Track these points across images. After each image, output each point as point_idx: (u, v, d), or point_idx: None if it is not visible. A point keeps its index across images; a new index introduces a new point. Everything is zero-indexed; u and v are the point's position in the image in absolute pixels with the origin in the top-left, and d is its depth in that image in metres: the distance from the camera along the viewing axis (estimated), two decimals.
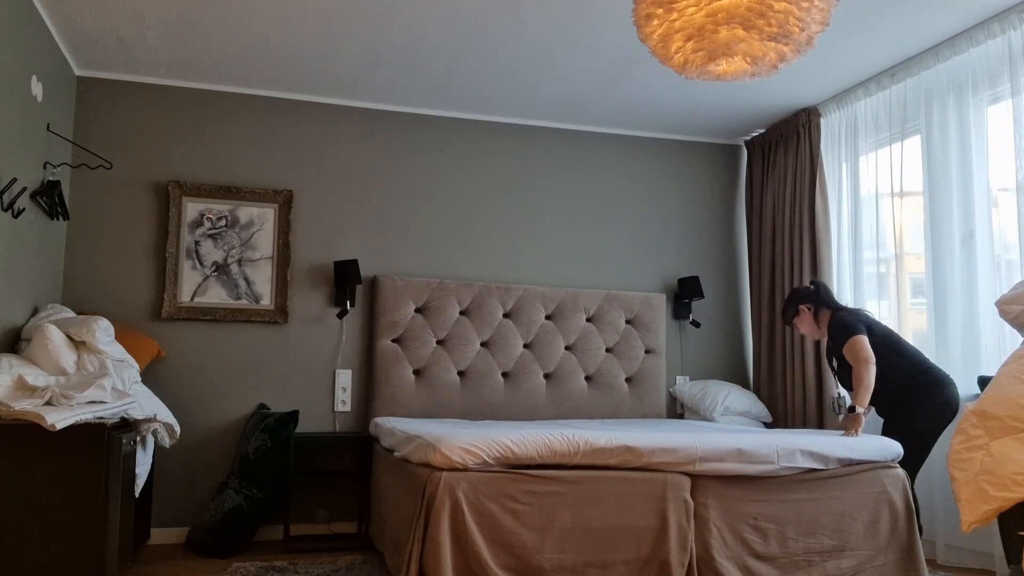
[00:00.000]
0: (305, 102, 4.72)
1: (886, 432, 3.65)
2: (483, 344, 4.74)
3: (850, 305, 4.40)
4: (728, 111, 4.88)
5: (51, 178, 3.93)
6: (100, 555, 2.76)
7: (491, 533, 2.84)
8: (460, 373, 4.68)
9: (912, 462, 3.57)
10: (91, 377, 3.05)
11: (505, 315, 4.80)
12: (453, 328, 4.68)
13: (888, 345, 3.64)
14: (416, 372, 4.61)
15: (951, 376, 3.62)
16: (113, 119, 4.43)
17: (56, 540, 2.72)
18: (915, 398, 3.55)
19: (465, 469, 2.87)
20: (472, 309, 4.73)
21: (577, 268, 5.08)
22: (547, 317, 4.87)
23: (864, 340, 3.56)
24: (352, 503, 4.55)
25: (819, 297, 3.88)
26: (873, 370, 3.51)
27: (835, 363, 3.81)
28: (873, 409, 3.72)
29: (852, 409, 3.50)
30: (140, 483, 3.43)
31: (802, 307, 3.91)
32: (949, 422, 3.55)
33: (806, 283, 4.57)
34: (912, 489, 3.42)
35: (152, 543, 4.23)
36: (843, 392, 4.05)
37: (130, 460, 3.23)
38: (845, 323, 3.64)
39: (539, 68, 4.25)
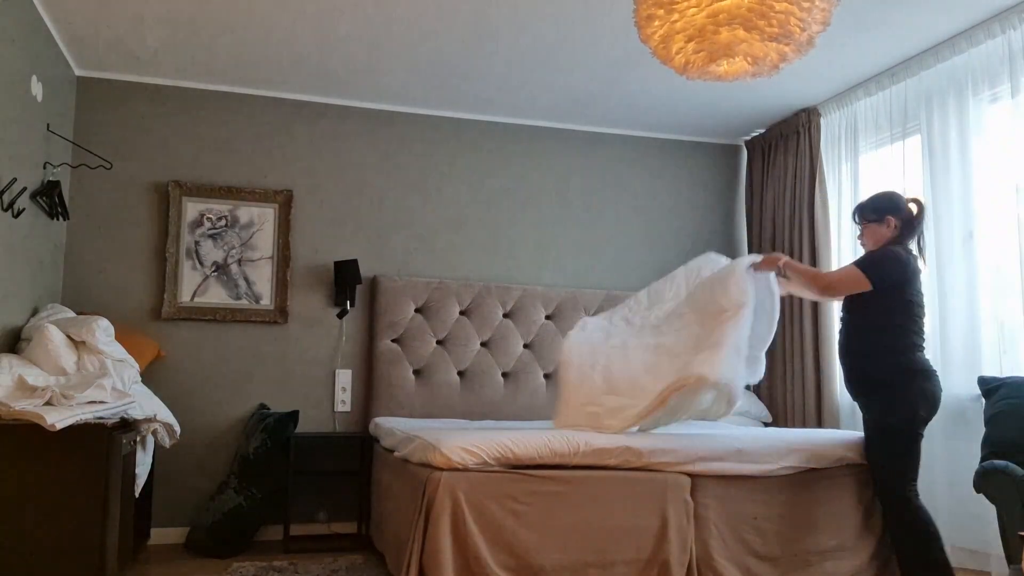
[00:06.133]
0: (305, 102, 4.72)
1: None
2: (483, 344, 4.73)
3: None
4: (728, 111, 4.88)
5: (51, 178, 3.92)
6: (100, 555, 2.76)
7: (491, 533, 2.84)
8: (460, 373, 4.67)
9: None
10: (91, 377, 3.05)
11: (505, 315, 4.80)
12: (453, 328, 4.68)
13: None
14: (416, 372, 4.61)
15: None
16: (113, 119, 4.43)
17: (56, 540, 2.72)
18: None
19: (465, 469, 2.87)
20: (472, 309, 4.73)
21: (577, 268, 5.08)
22: (547, 317, 4.87)
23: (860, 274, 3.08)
24: (352, 503, 4.55)
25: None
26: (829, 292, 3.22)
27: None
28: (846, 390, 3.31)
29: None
30: (140, 483, 3.43)
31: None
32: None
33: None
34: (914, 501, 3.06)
35: (152, 543, 4.22)
36: None
37: (130, 460, 3.23)
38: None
39: (539, 68, 4.24)
